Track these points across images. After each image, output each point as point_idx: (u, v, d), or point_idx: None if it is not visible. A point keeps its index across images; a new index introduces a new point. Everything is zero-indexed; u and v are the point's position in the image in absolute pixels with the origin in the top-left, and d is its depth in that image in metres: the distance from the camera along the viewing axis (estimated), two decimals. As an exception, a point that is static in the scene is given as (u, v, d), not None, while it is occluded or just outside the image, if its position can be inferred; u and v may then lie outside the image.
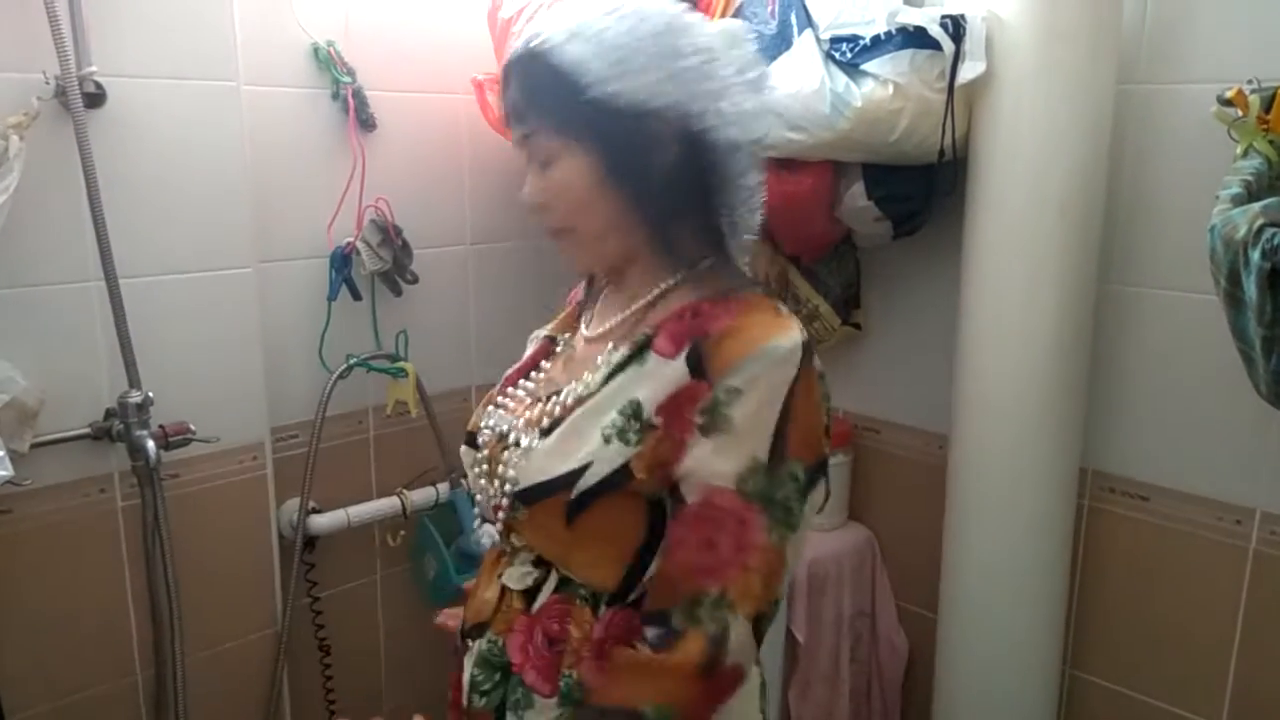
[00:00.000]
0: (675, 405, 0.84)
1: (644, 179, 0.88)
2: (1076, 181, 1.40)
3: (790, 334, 0.85)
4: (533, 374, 1.03)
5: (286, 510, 1.81)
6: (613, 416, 0.87)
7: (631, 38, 0.85)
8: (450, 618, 1.12)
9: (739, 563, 0.82)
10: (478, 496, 1.01)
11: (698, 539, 0.83)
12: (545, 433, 0.91)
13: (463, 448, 1.03)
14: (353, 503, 1.86)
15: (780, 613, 1.68)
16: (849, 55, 1.44)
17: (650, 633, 0.85)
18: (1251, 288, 1.08)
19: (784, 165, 1.54)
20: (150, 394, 1.52)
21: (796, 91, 1.44)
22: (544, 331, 1.09)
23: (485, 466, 0.97)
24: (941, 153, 1.46)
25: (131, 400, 1.50)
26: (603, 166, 0.88)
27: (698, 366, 0.84)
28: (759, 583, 0.83)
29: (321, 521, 1.81)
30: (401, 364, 1.86)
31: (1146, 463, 1.53)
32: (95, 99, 1.44)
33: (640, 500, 0.87)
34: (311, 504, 1.81)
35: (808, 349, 0.85)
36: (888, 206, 1.56)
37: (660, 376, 0.86)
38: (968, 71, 1.40)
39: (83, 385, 1.50)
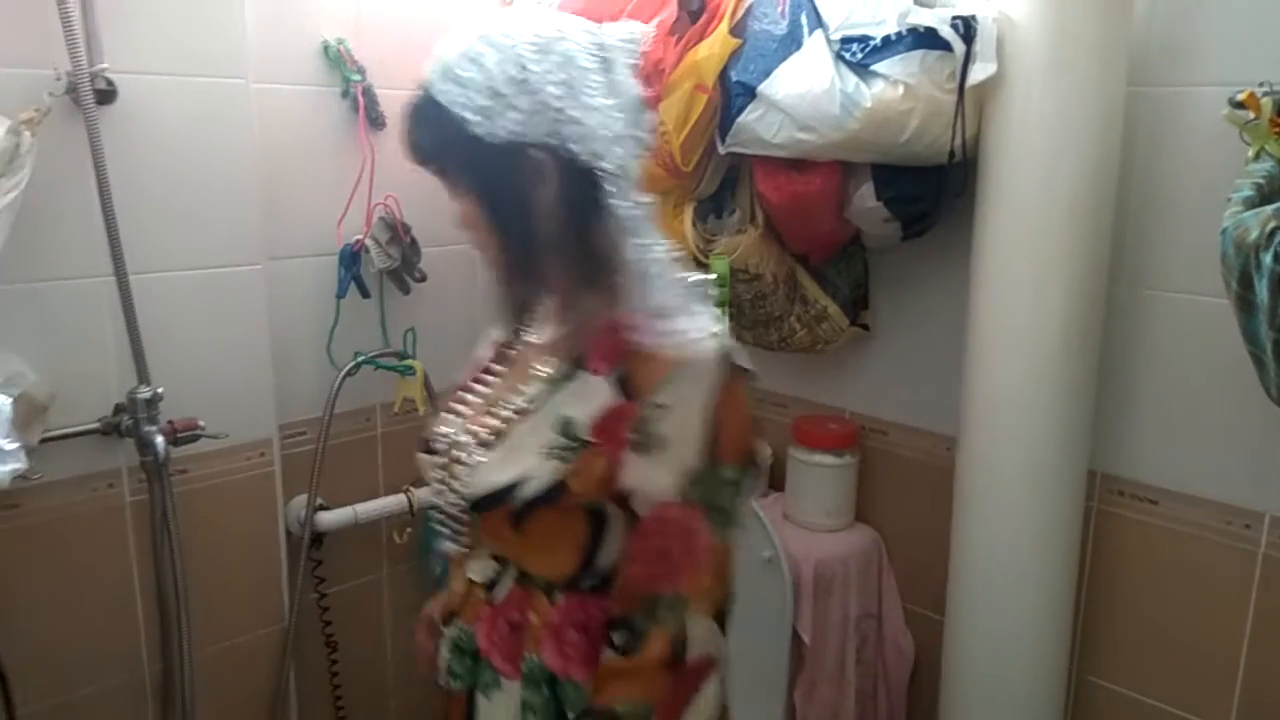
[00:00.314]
0: (608, 424, 0.89)
1: (526, 213, 0.90)
2: (1087, 183, 1.39)
3: (708, 345, 0.89)
4: (485, 379, 1.05)
5: (294, 507, 1.81)
6: (549, 434, 0.91)
7: (486, 76, 0.86)
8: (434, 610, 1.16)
9: (690, 564, 0.89)
10: (437, 500, 1.04)
11: (652, 550, 0.90)
12: (489, 445, 0.96)
13: (421, 455, 1.04)
14: (360, 500, 1.87)
15: (786, 613, 1.70)
16: (859, 56, 1.43)
17: (616, 638, 0.91)
18: (1263, 291, 1.07)
19: (793, 165, 1.54)
20: (159, 390, 1.52)
21: (806, 92, 1.44)
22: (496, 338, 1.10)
23: (445, 472, 1.00)
24: (952, 154, 1.45)
25: (141, 396, 1.51)
26: (487, 204, 0.92)
27: (625, 386, 0.89)
28: (710, 579, 0.90)
29: (329, 518, 1.81)
30: (409, 361, 1.86)
31: (1155, 466, 1.53)
32: (106, 95, 1.45)
33: (579, 508, 0.93)
34: (319, 501, 1.82)
35: (727, 356, 0.90)
36: (897, 207, 1.55)
37: (591, 395, 0.90)
38: (978, 73, 1.39)
39: (92, 380, 1.51)
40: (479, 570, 1.03)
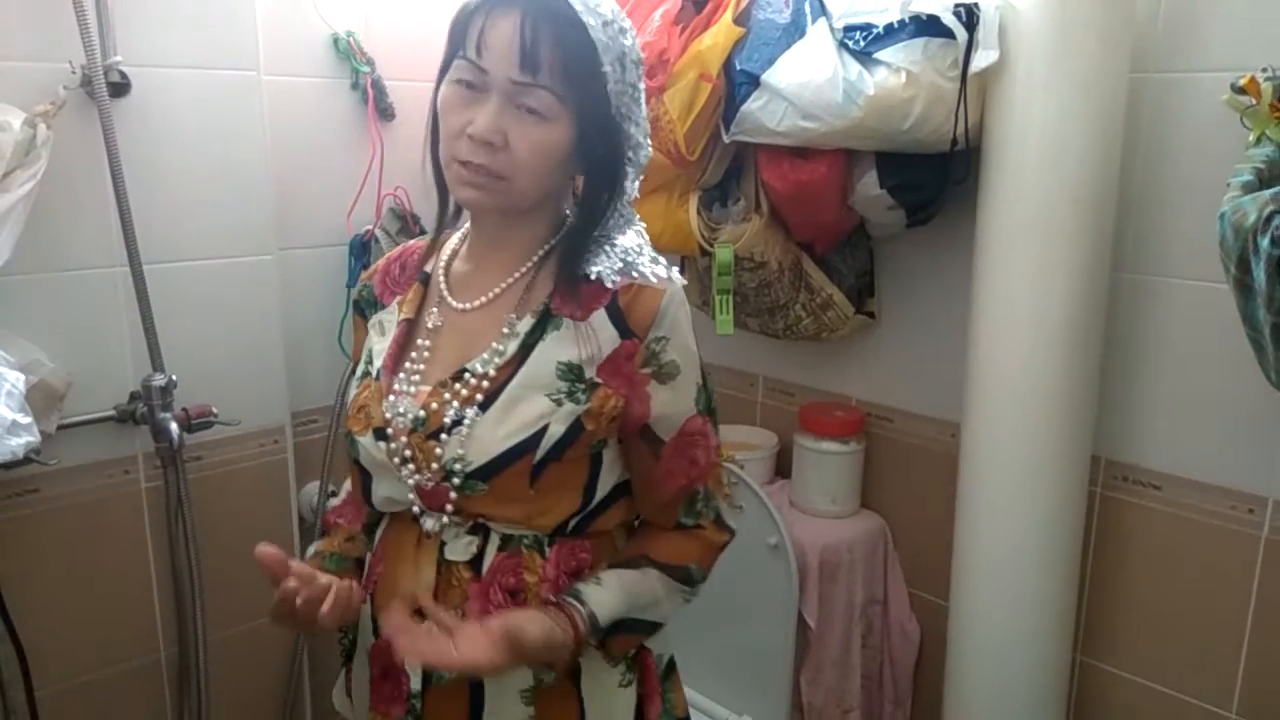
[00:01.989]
0: (614, 364, 0.96)
1: (595, 166, 0.97)
2: (1089, 169, 1.40)
3: (675, 274, 0.99)
4: (412, 355, 1.01)
5: (306, 493, 1.84)
6: (553, 381, 0.95)
7: (622, 49, 0.94)
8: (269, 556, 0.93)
9: (710, 462, 1.03)
10: (383, 492, 1.00)
11: (683, 462, 1.00)
12: (483, 406, 0.94)
13: (367, 443, 0.99)
14: (371, 487, 1.89)
15: (791, 598, 1.71)
16: (862, 43, 1.44)
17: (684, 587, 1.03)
18: (1261, 274, 1.08)
19: (797, 154, 1.55)
20: (174, 377, 1.55)
21: (809, 80, 1.44)
22: (395, 316, 1.06)
23: (409, 454, 0.96)
24: (955, 141, 1.46)
25: (155, 383, 1.53)
26: (579, 144, 0.94)
27: (622, 326, 0.96)
28: (720, 470, 1.05)
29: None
30: (419, 350, 1.88)
31: (1159, 451, 1.53)
32: (120, 88, 1.47)
33: (586, 449, 0.97)
34: (331, 488, 1.84)
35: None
36: (901, 195, 1.56)
37: (589, 339, 0.95)
38: (981, 60, 1.40)
39: (108, 368, 1.54)
40: (460, 549, 0.98)
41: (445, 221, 1.06)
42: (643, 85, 0.98)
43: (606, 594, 0.97)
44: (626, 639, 1.00)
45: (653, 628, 1.02)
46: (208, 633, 1.65)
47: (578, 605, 0.95)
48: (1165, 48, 1.44)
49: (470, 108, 0.92)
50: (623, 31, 0.94)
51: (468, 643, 0.86)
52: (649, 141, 1.01)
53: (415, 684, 0.99)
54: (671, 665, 1.12)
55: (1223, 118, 1.28)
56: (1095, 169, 1.40)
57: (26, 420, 1.26)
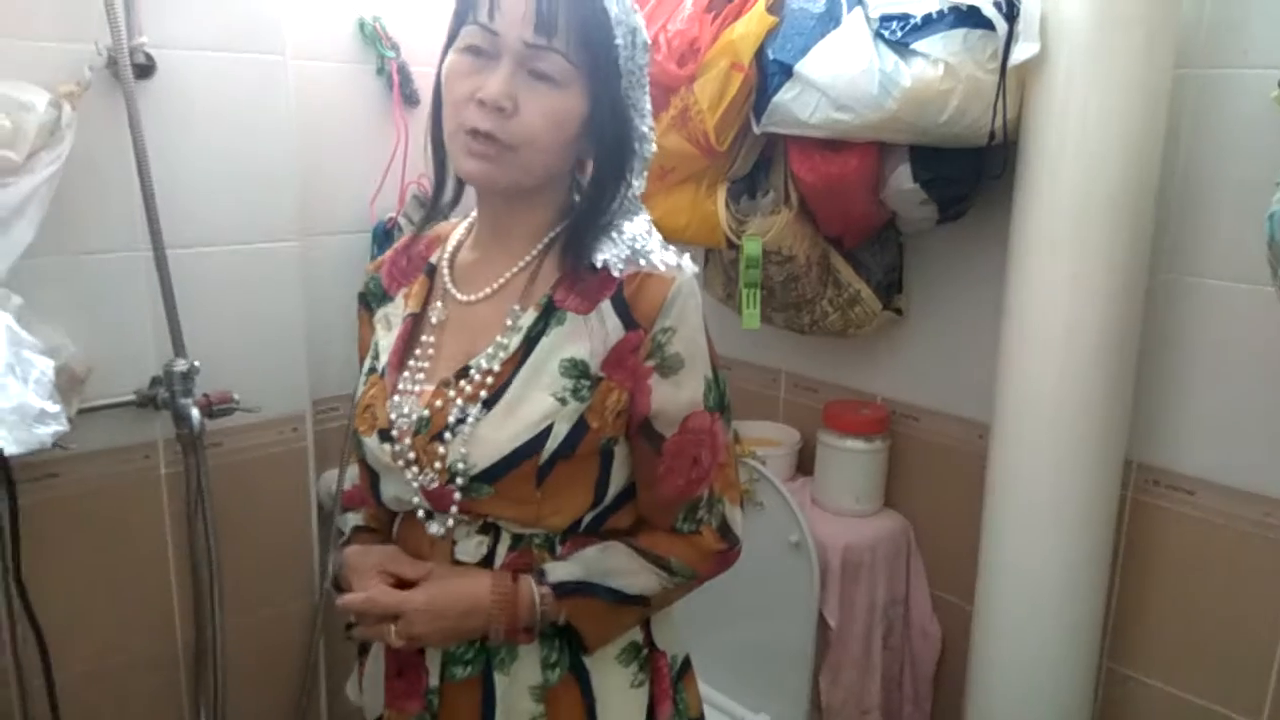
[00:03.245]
0: (618, 356, 0.92)
1: (604, 147, 0.94)
2: (1129, 167, 1.37)
3: (685, 262, 0.95)
4: (416, 353, 0.99)
5: (325, 481, 1.83)
6: (557, 379, 0.92)
7: (633, 25, 0.92)
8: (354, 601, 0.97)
9: (717, 463, 0.97)
10: (391, 492, 0.99)
11: (684, 462, 0.96)
12: (487, 405, 0.92)
13: (372, 444, 0.98)
14: (390, 476, 1.88)
15: (812, 597, 1.70)
16: (899, 34, 1.41)
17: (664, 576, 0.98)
18: (1311, 278, 1.05)
19: (829, 146, 1.52)
20: (195, 363, 1.54)
21: (844, 71, 1.42)
22: (401, 310, 1.03)
23: (413, 456, 0.95)
24: (992, 135, 1.43)
25: (177, 369, 1.52)
26: (590, 119, 0.91)
27: (627, 317, 0.92)
28: (733, 471, 1.00)
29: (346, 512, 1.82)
30: (440, 340, 1.87)
31: (1193, 456, 1.50)
32: (145, 70, 1.46)
33: (595, 447, 0.94)
34: (350, 476, 1.83)
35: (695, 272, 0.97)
36: (934, 189, 1.53)
37: (593, 333, 0.92)
38: (1021, 53, 1.37)
39: (130, 353, 1.53)
40: (470, 550, 0.96)
41: (440, 208, 1.03)
42: (647, 78, 0.95)
43: (561, 562, 0.96)
44: (586, 602, 0.95)
45: (620, 599, 0.96)
46: (225, 620, 1.64)
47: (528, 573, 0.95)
48: (1210, 43, 1.40)
49: (479, 74, 0.89)
50: (635, 9, 0.93)
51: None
52: (653, 135, 0.98)
53: (434, 680, 0.98)
54: (686, 665, 1.10)
55: (1268, 115, 1.25)
56: (1135, 166, 1.37)
57: (56, 409, 1.25)
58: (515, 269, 0.97)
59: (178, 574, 1.65)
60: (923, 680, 1.88)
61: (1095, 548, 1.50)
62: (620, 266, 0.93)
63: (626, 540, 0.99)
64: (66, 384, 1.41)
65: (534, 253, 0.98)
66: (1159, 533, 1.56)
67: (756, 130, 1.56)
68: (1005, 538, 1.54)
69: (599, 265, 0.93)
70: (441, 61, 0.93)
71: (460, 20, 0.92)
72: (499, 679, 0.97)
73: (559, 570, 0.95)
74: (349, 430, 1.83)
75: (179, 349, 1.53)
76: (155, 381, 1.55)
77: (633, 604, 0.97)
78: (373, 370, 1.03)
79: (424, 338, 0.99)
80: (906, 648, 1.87)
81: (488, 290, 0.98)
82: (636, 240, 0.95)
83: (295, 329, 1.70)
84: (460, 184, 1.00)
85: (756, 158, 1.68)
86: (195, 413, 1.52)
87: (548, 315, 0.94)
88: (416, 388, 0.97)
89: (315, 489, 1.80)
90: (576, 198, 0.99)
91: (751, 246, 1.63)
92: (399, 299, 1.05)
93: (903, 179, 1.53)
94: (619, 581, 0.96)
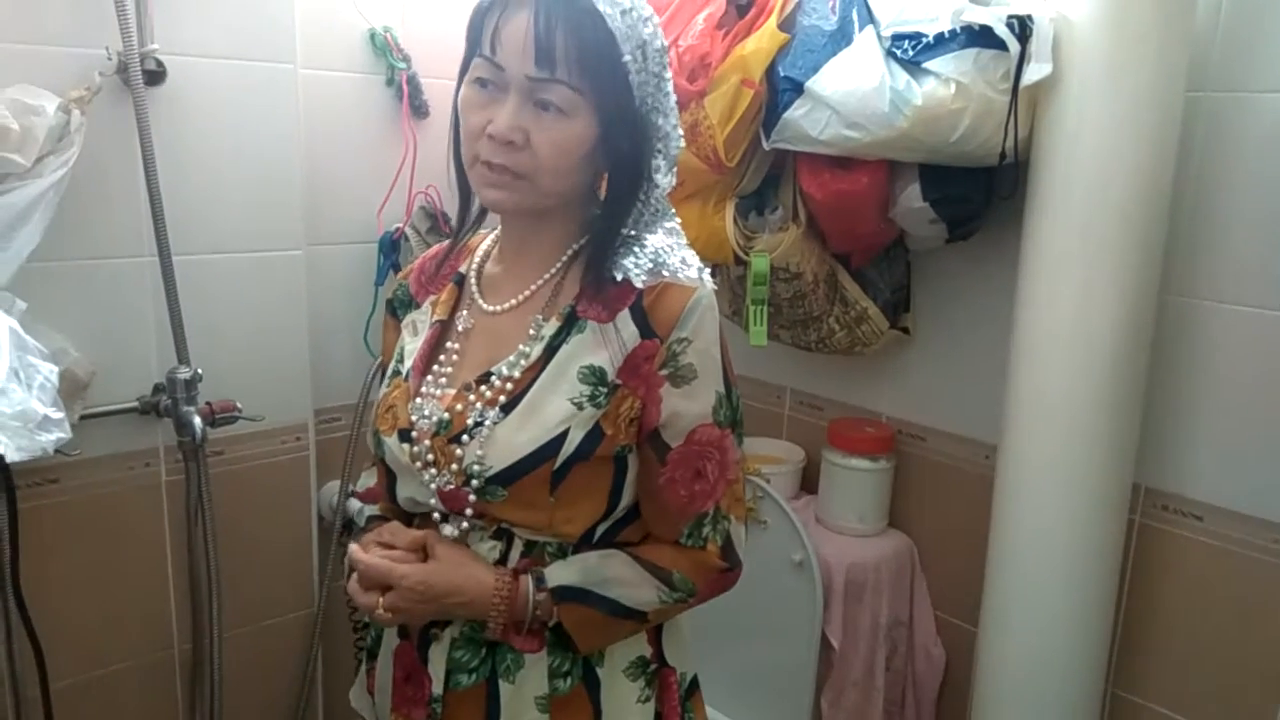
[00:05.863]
0: (633, 365, 0.93)
1: (620, 162, 0.94)
2: (1140, 189, 1.36)
3: (705, 276, 0.96)
4: (440, 358, 1.01)
5: (326, 492, 1.82)
6: (575, 385, 0.92)
7: (642, 38, 0.91)
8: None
9: (725, 480, 0.97)
10: (406, 493, 1.00)
11: (688, 474, 0.95)
12: (505, 409, 0.93)
13: (393, 444, 0.99)
14: (392, 487, 1.87)
15: (815, 617, 1.68)
16: (911, 53, 1.41)
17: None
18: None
19: (838, 163, 1.52)
20: (199, 371, 1.53)
21: (855, 88, 1.41)
22: (428, 317, 1.05)
23: (431, 457, 0.96)
24: (1003, 155, 1.42)
25: (180, 376, 1.52)
26: (602, 139, 0.91)
27: (645, 327, 0.93)
28: (742, 488, 1.00)
29: (360, 505, 1.81)
30: (445, 351, 1.86)
31: (1201, 481, 1.49)
32: (155, 76, 1.46)
33: (609, 454, 0.95)
34: (351, 487, 1.82)
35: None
36: (944, 209, 1.53)
37: (611, 341, 0.93)
38: (1033, 73, 1.36)
39: (132, 359, 1.52)
40: (483, 554, 0.97)
41: (469, 223, 1.05)
42: (669, 74, 0.95)
43: (560, 564, 0.96)
44: (581, 610, 0.95)
45: (616, 609, 0.96)
46: (223, 630, 1.63)
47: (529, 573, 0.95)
48: (1223, 66, 1.40)
49: (490, 107, 0.91)
50: (643, 20, 0.91)
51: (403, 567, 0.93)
52: (679, 131, 0.97)
53: (437, 688, 0.98)
54: (695, 684, 1.10)
55: (1282, 139, 1.24)
56: (1147, 188, 1.36)
57: (59, 415, 1.25)
58: (540, 281, 0.99)
59: (175, 582, 1.63)
60: (925, 703, 1.86)
61: (1102, 572, 1.49)
62: (643, 278, 0.93)
63: (629, 550, 0.99)
64: (69, 390, 1.40)
65: (558, 265, 0.99)
66: (1167, 558, 1.54)
67: (766, 146, 1.55)
68: (1012, 560, 1.53)
69: (619, 279, 0.94)
70: (457, 92, 0.95)
71: (471, 50, 0.93)
72: (504, 687, 0.97)
73: (557, 574, 0.95)
74: (352, 438, 1.83)
75: (182, 356, 1.52)
76: (158, 388, 1.54)
77: (628, 617, 0.97)
78: (396, 373, 1.04)
79: (449, 344, 1.01)
80: (909, 670, 1.86)
81: (513, 301, 1.00)
82: (659, 253, 0.95)
83: (299, 338, 1.70)
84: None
85: (765, 174, 1.67)
86: (197, 420, 1.51)
87: (569, 324, 0.95)
88: (439, 391, 0.98)
89: (316, 500, 1.79)
90: (598, 211, 1.00)
91: (759, 263, 1.62)
92: (426, 306, 1.07)
93: (913, 197, 1.53)
94: (616, 591, 0.96)
